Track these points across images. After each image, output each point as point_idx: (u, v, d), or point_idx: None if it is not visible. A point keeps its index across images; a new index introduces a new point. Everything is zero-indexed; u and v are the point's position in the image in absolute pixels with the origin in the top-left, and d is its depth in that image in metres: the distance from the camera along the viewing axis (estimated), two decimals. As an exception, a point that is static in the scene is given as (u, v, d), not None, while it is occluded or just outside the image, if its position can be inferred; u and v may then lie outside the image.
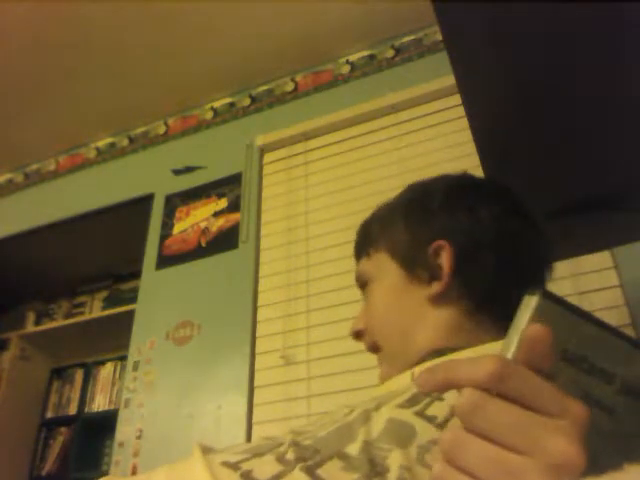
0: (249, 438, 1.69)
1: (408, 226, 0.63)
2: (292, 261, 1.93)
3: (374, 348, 0.65)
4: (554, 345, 0.30)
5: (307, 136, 2.13)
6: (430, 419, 0.42)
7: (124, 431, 1.88)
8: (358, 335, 0.68)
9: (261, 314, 1.89)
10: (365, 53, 2.23)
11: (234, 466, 0.40)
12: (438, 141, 1.90)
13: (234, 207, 2.14)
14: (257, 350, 1.83)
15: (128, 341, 2.05)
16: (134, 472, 1.78)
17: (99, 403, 2.68)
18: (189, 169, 2.32)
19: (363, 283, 0.68)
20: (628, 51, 0.67)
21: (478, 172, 0.75)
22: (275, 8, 2.07)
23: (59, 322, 2.81)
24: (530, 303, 0.31)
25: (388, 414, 0.43)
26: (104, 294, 2.91)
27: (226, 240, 2.08)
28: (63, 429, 2.73)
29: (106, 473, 2.28)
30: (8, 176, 2.83)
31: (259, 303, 1.91)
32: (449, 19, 0.66)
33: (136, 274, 2.30)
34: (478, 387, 0.29)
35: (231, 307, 1.93)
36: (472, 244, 0.59)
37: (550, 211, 0.87)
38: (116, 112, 2.53)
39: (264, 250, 2.01)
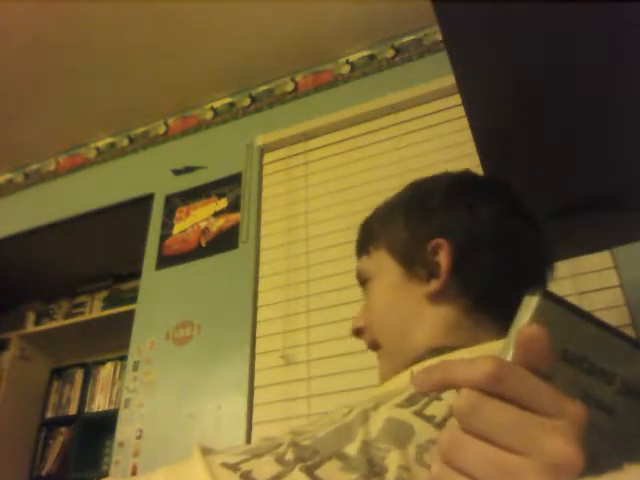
0: (249, 438, 1.69)
1: (407, 224, 0.64)
2: (292, 261, 1.93)
3: (374, 346, 0.66)
4: (554, 345, 0.30)
5: (307, 136, 2.13)
6: (428, 419, 0.42)
7: (124, 431, 1.88)
8: (358, 333, 0.68)
9: (261, 314, 1.89)
10: (365, 53, 2.23)
11: (234, 467, 0.40)
12: (438, 141, 1.90)
13: (234, 207, 2.14)
14: (257, 350, 1.83)
15: (128, 341, 2.05)
16: (134, 472, 1.78)
17: (99, 403, 2.68)
18: (189, 169, 2.32)
19: (364, 281, 0.68)
20: (628, 51, 0.67)
21: (478, 172, 0.75)
22: (275, 8, 2.07)
23: (59, 322, 2.81)
24: (530, 303, 0.31)
25: (387, 414, 0.43)
26: (104, 294, 2.91)
27: (226, 240, 2.08)
28: (63, 429, 2.73)
29: (106, 473, 2.28)
30: (8, 176, 2.83)
31: (259, 303, 1.91)
32: (449, 19, 0.66)
33: (136, 274, 2.30)
34: (475, 388, 0.29)
35: (231, 307, 1.93)
36: (471, 242, 0.59)
37: (550, 211, 0.87)
38: (116, 112, 2.53)
39: (264, 250, 2.01)
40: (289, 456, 0.40)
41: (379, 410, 0.43)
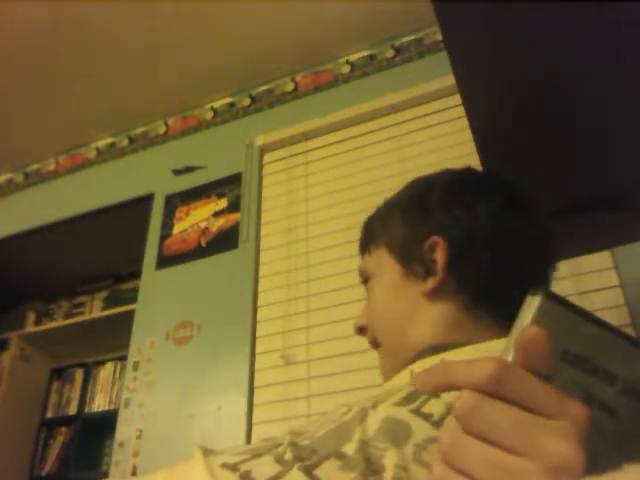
0: (249, 438, 1.69)
1: (405, 222, 0.64)
2: (292, 261, 1.93)
3: (374, 343, 0.66)
4: (556, 346, 0.30)
5: (307, 136, 2.13)
6: (426, 417, 0.42)
7: (124, 431, 1.88)
8: (361, 331, 0.68)
9: (261, 314, 1.89)
10: (365, 53, 2.23)
11: (233, 467, 0.40)
12: (438, 141, 1.90)
13: (234, 207, 2.14)
14: (257, 350, 1.83)
15: (128, 341, 2.05)
16: (134, 472, 1.78)
17: (99, 403, 2.68)
18: (189, 169, 2.32)
19: (366, 279, 0.69)
20: (628, 51, 0.67)
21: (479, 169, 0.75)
22: (275, 8, 2.07)
23: (59, 322, 2.81)
24: (533, 303, 0.31)
25: (385, 412, 0.43)
26: (104, 294, 2.91)
27: (226, 240, 2.08)
28: (63, 429, 2.74)
29: (106, 473, 2.28)
30: (8, 176, 2.83)
31: (259, 303, 1.91)
32: (449, 19, 0.66)
33: (136, 274, 2.30)
34: (476, 389, 0.29)
35: (231, 307, 1.93)
36: (467, 240, 0.59)
37: (550, 211, 0.87)
38: (116, 112, 2.53)
39: (264, 250, 2.01)
40: (288, 456, 0.40)
41: (377, 409, 0.43)
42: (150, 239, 2.25)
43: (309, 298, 1.84)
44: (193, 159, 2.35)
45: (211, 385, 1.83)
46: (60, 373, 2.90)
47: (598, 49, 0.67)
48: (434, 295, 0.59)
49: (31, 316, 2.98)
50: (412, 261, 0.61)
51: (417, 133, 1.95)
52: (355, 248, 0.73)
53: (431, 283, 0.59)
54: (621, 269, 1.48)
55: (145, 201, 2.36)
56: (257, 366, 1.80)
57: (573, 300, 0.31)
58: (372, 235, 0.68)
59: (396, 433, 0.41)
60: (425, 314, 0.59)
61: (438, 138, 1.90)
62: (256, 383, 1.78)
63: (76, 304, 2.98)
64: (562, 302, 0.31)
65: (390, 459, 0.39)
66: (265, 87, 2.38)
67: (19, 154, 2.74)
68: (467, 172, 0.68)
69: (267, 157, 2.20)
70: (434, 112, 1.95)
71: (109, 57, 2.26)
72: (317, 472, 0.38)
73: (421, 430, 0.41)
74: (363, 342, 0.69)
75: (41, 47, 2.20)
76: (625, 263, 1.48)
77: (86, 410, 2.68)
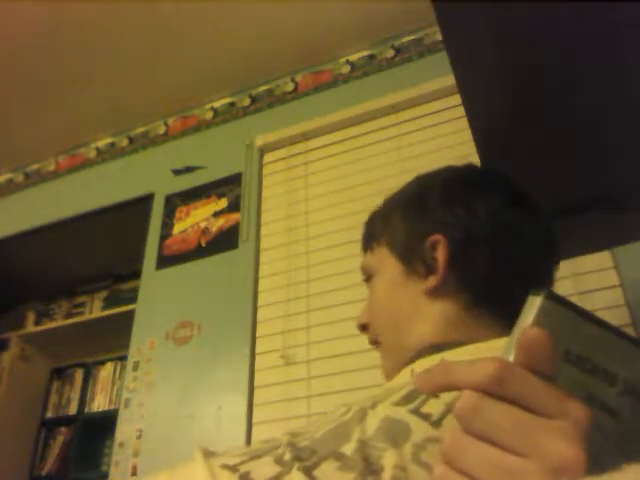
0: (249, 438, 1.69)
1: (406, 220, 0.64)
2: (292, 261, 1.93)
3: (375, 342, 0.66)
4: (557, 346, 0.30)
5: (307, 136, 2.13)
6: (425, 417, 0.42)
7: (124, 431, 1.88)
8: (364, 329, 0.68)
9: (261, 314, 1.89)
10: (365, 53, 2.23)
11: (233, 468, 0.40)
12: (438, 141, 1.90)
13: (234, 207, 2.14)
14: (257, 350, 1.83)
15: (128, 341, 2.05)
16: (134, 472, 1.78)
17: (99, 403, 2.68)
18: (189, 169, 2.32)
19: (368, 277, 0.69)
20: (628, 51, 0.67)
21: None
22: (275, 8, 2.07)
23: (59, 322, 2.81)
24: (534, 303, 0.31)
25: (384, 412, 0.43)
26: (104, 294, 2.91)
27: (226, 240, 2.08)
28: (63, 429, 2.74)
29: (106, 473, 2.28)
30: (8, 176, 2.83)
31: (259, 303, 1.91)
32: (449, 19, 0.66)
33: (136, 274, 2.30)
34: (477, 389, 0.29)
35: (231, 307, 1.93)
36: (468, 238, 0.59)
37: (550, 211, 0.87)
38: (116, 112, 2.53)
39: (264, 250, 2.01)
40: (287, 457, 0.40)
41: (376, 409, 0.43)
42: (150, 239, 2.25)
43: (309, 298, 1.84)
44: (193, 159, 2.35)
45: (211, 385, 1.83)
46: (60, 373, 2.90)
47: (598, 49, 0.67)
48: (435, 293, 0.59)
49: (31, 316, 2.98)
50: (413, 259, 0.61)
51: (417, 133, 1.95)
52: (355, 248, 0.73)
53: (432, 281, 0.59)
54: (621, 269, 1.48)
55: (145, 201, 2.36)
56: (257, 366, 1.80)
57: (573, 300, 0.31)
58: (374, 233, 0.68)
59: (395, 433, 0.40)
60: (426, 312, 0.59)
61: (438, 138, 1.90)
62: (256, 383, 1.78)
63: (76, 304, 2.98)
64: (563, 302, 0.31)
65: (389, 459, 0.38)
66: (265, 87, 2.38)
67: (19, 154, 2.74)
68: (468, 169, 0.68)
69: (267, 157, 2.20)
70: (434, 112, 1.95)
71: (109, 57, 2.26)
72: (316, 472, 0.38)
73: (420, 430, 0.41)
74: (363, 342, 0.69)
75: (41, 47, 2.20)
76: (625, 263, 1.48)
77: (86, 410, 2.68)
